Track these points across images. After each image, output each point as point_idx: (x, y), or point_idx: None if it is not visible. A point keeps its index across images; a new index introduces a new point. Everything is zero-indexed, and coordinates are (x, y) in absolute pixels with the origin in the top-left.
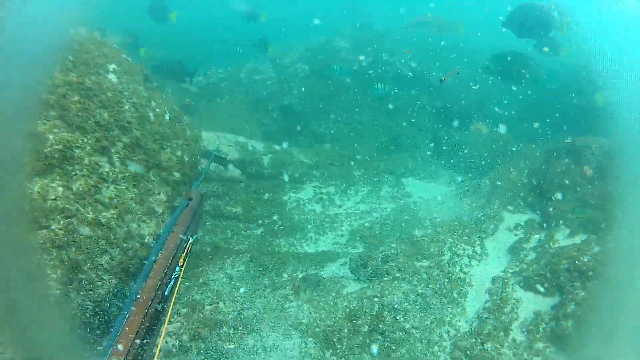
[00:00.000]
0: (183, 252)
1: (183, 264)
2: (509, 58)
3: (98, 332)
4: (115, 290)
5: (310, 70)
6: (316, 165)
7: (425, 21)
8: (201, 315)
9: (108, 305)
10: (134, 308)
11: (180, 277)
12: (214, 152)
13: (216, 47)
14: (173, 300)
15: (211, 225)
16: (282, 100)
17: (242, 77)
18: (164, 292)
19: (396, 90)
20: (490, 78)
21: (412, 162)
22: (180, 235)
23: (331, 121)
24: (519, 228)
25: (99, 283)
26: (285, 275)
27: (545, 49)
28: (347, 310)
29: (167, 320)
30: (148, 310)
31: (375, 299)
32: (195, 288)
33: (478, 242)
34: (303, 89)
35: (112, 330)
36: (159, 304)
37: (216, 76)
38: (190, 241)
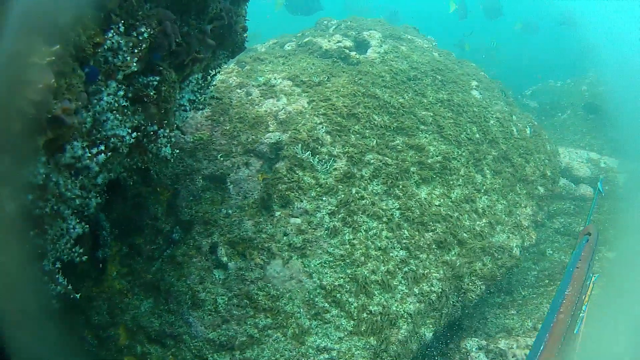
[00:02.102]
0: (587, 291)
1: (587, 301)
2: None
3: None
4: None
5: None
6: None
7: None
8: None
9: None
10: (546, 344)
11: (586, 315)
12: (599, 188)
13: None
14: (580, 338)
15: (559, 245)
16: (634, 113)
17: (584, 90)
18: (574, 330)
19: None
20: None
21: None
22: (585, 273)
23: None
24: None
25: (472, 288)
26: None
27: None
28: None
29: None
30: (561, 347)
31: None
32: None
33: None
34: None
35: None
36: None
37: (555, 90)
38: (593, 279)
